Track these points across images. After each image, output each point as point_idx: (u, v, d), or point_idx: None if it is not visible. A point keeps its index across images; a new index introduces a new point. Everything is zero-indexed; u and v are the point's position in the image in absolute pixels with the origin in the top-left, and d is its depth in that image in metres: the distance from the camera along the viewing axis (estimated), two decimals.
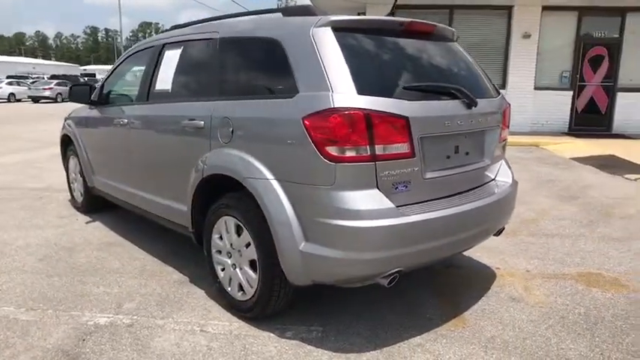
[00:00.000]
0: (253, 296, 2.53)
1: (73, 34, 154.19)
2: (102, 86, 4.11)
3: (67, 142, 4.84)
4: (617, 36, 10.64)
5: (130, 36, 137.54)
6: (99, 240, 3.94)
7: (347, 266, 2.18)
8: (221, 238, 2.72)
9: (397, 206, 2.19)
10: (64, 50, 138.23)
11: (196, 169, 2.76)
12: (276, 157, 2.31)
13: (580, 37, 10.74)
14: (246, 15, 3.09)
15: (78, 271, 3.32)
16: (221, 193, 2.71)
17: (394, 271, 2.21)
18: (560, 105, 10.91)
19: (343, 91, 2.12)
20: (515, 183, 2.93)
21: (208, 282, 3.06)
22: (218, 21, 3.03)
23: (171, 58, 3.21)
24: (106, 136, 3.89)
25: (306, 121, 2.15)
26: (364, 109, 2.10)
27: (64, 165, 5.08)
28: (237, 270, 2.63)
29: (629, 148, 8.81)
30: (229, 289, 2.72)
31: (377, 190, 2.16)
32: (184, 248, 3.71)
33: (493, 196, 2.64)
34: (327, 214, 2.14)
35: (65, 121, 4.87)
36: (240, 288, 2.63)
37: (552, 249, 3.79)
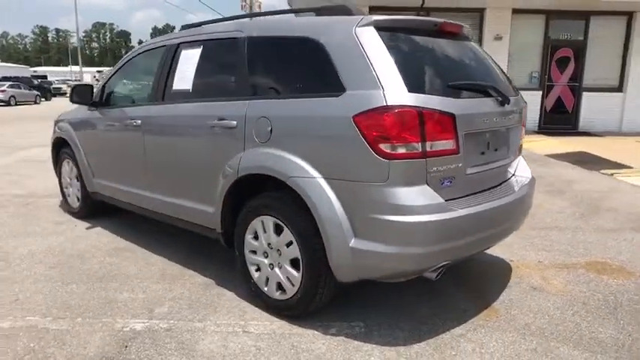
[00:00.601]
0: (295, 294, 2.54)
1: (20, 34, 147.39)
2: (103, 87, 3.99)
3: (59, 146, 4.66)
4: (582, 38, 11.21)
5: (83, 36, 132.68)
6: (107, 246, 3.82)
7: (399, 261, 2.22)
8: (256, 238, 2.71)
9: (445, 201, 2.25)
10: (10, 51, 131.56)
11: (228, 169, 2.74)
12: (323, 155, 2.33)
13: (548, 39, 11.25)
14: (272, 15, 3.08)
15: (95, 277, 3.21)
16: (255, 193, 2.70)
17: (443, 264, 2.28)
18: (530, 104, 11.34)
19: (395, 89, 2.17)
20: (533, 180, 3.05)
21: (235, 283, 3.06)
22: (239, 20, 3.01)
23: (189, 58, 3.16)
24: (113, 138, 3.77)
25: (357, 119, 2.18)
26: (416, 106, 2.15)
27: (55, 170, 4.88)
28: (276, 269, 2.62)
29: (597, 144, 9.30)
30: (265, 288, 2.71)
31: (426, 185, 2.22)
32: (199, 251, 3.67)
33: (519, 191, 2.75)
34: (381, 210, 2.18)
35: (57, 123, 4.69)
36: (279, 287, 2.63)
37: (555, 241, 3.97)
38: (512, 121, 2.79)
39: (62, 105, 13.80)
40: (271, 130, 2.53)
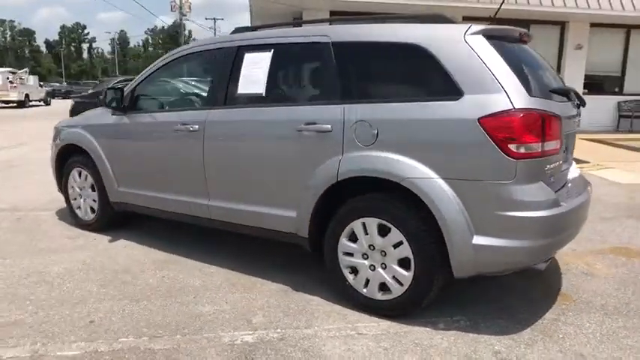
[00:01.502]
0: (404, 293, 2.59)
1: None
2: (133, 91, 3.75)
3: (66, 154, 4.30)
4: None
5: None
6: (146, 258, 3.59)
7: (522, 254, 2.37)
8: (354, 240, 2.73)
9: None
10: None
11: (323, 172, 2.73)
12: (441, 156, 2.41)
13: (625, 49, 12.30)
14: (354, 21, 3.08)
15: (161, 292, 3.03)
16: (349, 197, 2.72)
17: (552, 255, 2.46)
18: None
19: (517, 93, 2.31)
20: (590, 184, 3.25)
21: (313, 287, 3.06)
22: (322, 26, 3.01)
23: (257, 61, 3.09)
24: (154, 144, 3.57)
25: (484, 121, 2.29)
26: (538, 109, 2.32)
27: (58, 180, 4.48)
28: (379, 270, 2.66)
29: None
30: (365, 290, 2.73)
31: (542, 182, 2.38)
32: (245, 257, 3.59)
33: (584, 193, 2.94)
34: (508, 207, 2.31)
35: (61, 130, 4.33)
36: (382, 287, 2.67)
37: None
38: (576, 125, 3.04)
39: None
40: (377, 134, 2.56)
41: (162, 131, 3.50)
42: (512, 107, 2.28)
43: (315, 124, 2.76)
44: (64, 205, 4.52)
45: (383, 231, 2.62)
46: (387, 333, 2.54)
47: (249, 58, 3.15)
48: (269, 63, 3.05)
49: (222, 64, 3.26)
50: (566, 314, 2.75)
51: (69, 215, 4.47)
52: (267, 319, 2.69)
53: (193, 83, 3.63)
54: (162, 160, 3.54)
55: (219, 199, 3.27)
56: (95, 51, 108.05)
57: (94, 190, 4.13)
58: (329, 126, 2.71)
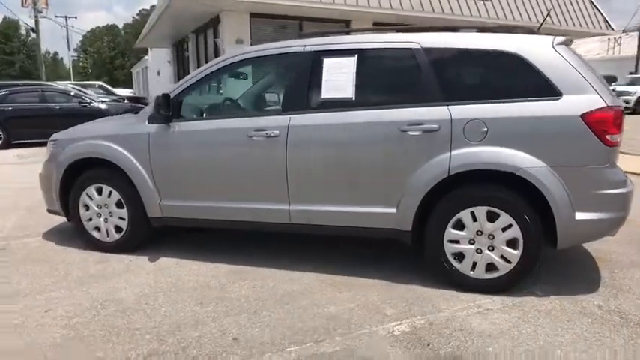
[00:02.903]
0: (512, 269, 2.97)
1: None
2: (177, 98, 3.53)
3: (73, 171, 3.83)
4: None
5: None
6: (217, 272, 3.43)
7: (610, 225, 2.91)
8: (460, 228, 3.02)
9: None
10: None
11: (432, 169, 2.97)
12: (547, 147, 2.83)
13: None
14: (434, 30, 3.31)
15: (271, 302, 2.97)
16: (452, 189, 3.01)
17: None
18: None
19: (604, 93, 2.83)
20: None
21: (409, 278, 3.27)
22: (411, 33, 3.22)
23: (341, 66, 3.20)
24: (218, 151, 3.41)
25: (587, 117, 2.77)
26: (619, 106, 2.87)
27: (63, 200, 3.93)
28: (487, 252, 3.00)
29: None
30: (472, 272, 3.05)
31: (618, 166, 2.95)
32: (311, 256, 3.67)
33: None
34: (604, 186, 2.83)
35: (68, 144, 3.85)
36: (488, 268, 3.02)
37: None
38: None
39: None
40: (487, 131, 2.90)
41: (229, 138, 3.38)
42: (605, 105, 2.79)
43: (421, 124, 2.99)
44: (41, 229, 4.19)
45: (491, 217, 2.96)
46: (507, 305, 2.89)
47: (329, 63, 3.23)
48: (355, 68, 3.19)
49: (298, 68, 3.29)
50: (615, 271, 3.39)
51: (79, 238, 3.98)
52: (398, 309, 2.86)
53: (260, 88, 3.54)
54: (228, 168, 3.42)
55: (304, 202, 3.30)
56: None
57: (120, 207, 3.76)
58: (436, 125, 2.97)
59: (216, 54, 12.76)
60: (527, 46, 2.95)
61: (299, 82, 3.28)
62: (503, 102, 2.93)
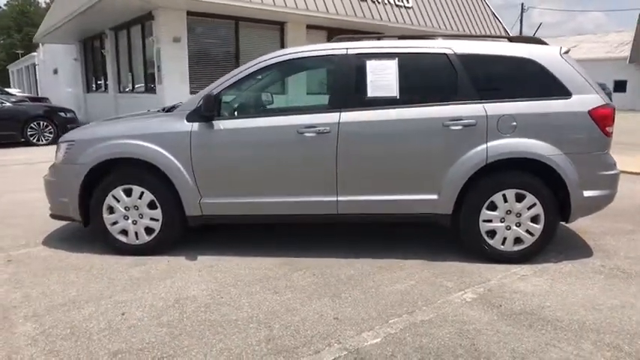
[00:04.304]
0: (535, 242, 3.54)
1: None
2: (218, 97, 3.58)
3: (94, 174, 3.68)
4: None
5: None
6: (263, 265, 3.54)
7: (608, 199, 3.59)
8: (493, 209, 3.51)
9: None
10: None
11: (471, 158, 3.41)
12: (563, 138, 3.42)
13: None
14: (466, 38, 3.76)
15: (341, 286, 3.20)
16: (482, 176, 3.49)
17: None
18: None
19: (601, 93, 3.50)
20: None
21: (444, 255, 3.71)
22: (444, 40, 3.62)
23: (384, 68, 3.52)
24: (266, 148, 3.54)
25: (593, 113, 3.41)
26: (611, 104, 3.55)
27: (81, 205, 3.72)
28: (514, 228, 3.53)
29: None
30: (502, 247, 3.56)
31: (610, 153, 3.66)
32: (342, 247, 3.95)
33: None
34: (605, 168, 3.50)
35: (89, 144, 3.68)
36: (516, 241, 3.55)
37: None
38: None
39: None
40: (516, 125, 3.41)
41: (278, 135, 3.52)
42: (604, 103, 3.46)
43: (461, 119, 3.42)
44: (33, 238, 4.07)
45: (519, 198, 3.49)
46: (536, 271, 3.44)
47: (372, 64, 3.54)
48: (395, 69, 3.53)
49: (343, 69, 3.55)
50: (596, 240, 4.14)
51: (90, 244, 3.84)
52: (454, 282, 3.26)
53: (303, 87, 3.69)
54: (277, 163, 3.56)
55: (352, 193, 3.56)
56: None
57: (153, 207, 3.69)
58: (474, 120, 3.42)
59: (145, 52, 12.22)
60: (542, 54, 3.53)
61: (346, 82, 3.54)
62: (527, 100, 3.47)
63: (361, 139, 3.50)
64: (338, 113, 3.51)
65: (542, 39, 3.72)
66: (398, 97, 3.51)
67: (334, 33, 13.67)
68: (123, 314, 2.81)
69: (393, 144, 3.50)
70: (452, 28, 14.58)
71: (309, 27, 12.98)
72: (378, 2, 13.42)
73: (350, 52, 3.59)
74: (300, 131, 3.49)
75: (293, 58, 3.67)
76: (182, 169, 3.59)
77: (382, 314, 2.79)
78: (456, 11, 15.05)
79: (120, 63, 14.19)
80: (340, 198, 3.57)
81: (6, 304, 2.94)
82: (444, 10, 14.79)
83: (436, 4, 14.75)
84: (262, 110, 3.77)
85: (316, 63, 3.70)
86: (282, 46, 12.69)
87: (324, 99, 3.67)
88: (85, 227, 3.88)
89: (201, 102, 3.56)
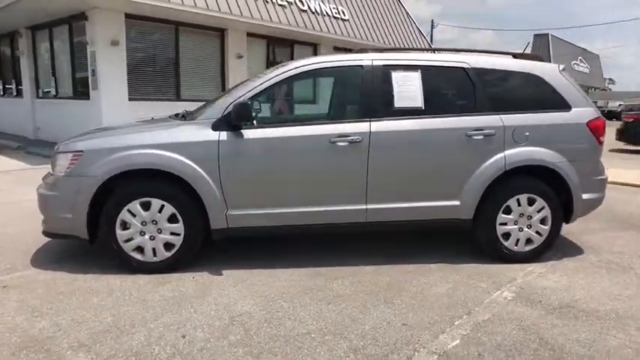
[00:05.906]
0: (543, 241, 3.87)
1: None
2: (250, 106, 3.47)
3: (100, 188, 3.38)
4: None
5: None
6: (297, 277, 3.49)
7: (598, 202, 4.03)
8: (508, 212, 3.78)
9: None
10: None
11: (491, 165, 3.66)
12: (566, 146, 3.79)
13: (269, 60, 13.69)
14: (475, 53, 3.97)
15: (386, 294, 3.25)
16: (500, 182, 3.76)
17: None
18: None
19: (594, 106, 3.94)
20: None
21: (462, 259, 3.93)
22: (460, 55, 3.82)
23: (409, 79, 3.66)
24: (296, 157, 3.49)
25: (590, 124, 3.82)
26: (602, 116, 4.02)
27: (88, 221, 3.38)
28: (526, 229, 3.83)
29: None
30: (515, 247, 3.84)
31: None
32: (359, 256, 4.02)
33: None
34: (598, 173, 3.94)
35: (100, 155, 3.36)
36: (527, 242, 3.85)
37: None
38: None
39: None
40: (528, 135, 3.72)
41: (310, 144, 3.49)
42: (598, 115, 3.90)
43: (482, 129, 3.66)
44: (20, 261, 3.70)
45: (530, 202, 3.80)
46: (549, 268, 3.76)
47: (397, 76, 3.66)
48: (419, 81, 3.68)
49: (370, 79, 3.63)
50: (580, 239, 4.61)
51: (90, 263, 3.52)
52: (487, 283, 3.45)
53: (331, 96, 3.65)
54: (308, 172, 3.53)
55: (381, 201, 3.63)
56: None
57: (174, 221, 3.45)
58: (493, 131, 3.67)
59: (74, 54, 11.27)
60: (545, 70, 3.90)
61: (373, 92, 3.62)
62: (534, 112, 3.80)
63: (391, 148, 3.59)
64: (368, 123, 3.57)
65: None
66: (423, 107, 3.66)
67: (274, 42, 13.76)
68: (183, 337, 2.60)
69: (420, 153, 3.64)
70: (384, 41, 15.27)
71: (249, 35, 12.85)
72: (317, 13, 13.67)
73: (375, 62, 3.67)
74: (333, 140, 3.50)
75: (321, 68, 3.66)
76: (209, 179, 3.41)
77: (444, 317, 2.89)
78: (387, 26, 15.81)
79: (38, 65, 12.90)
80: (369, 206, 3.63)
81: (37, 335, 2.59)
82: (377, 25, 15.47)
83: (370, 19, 15.38)
84: (291, 119, 3.71)
85: (343, 73, 3.73)
86: (223, 53, 12.46)
87: (353, 109, 3.72)
88: (90, 245, 3.53)
89: (228, 110, 3.43)
